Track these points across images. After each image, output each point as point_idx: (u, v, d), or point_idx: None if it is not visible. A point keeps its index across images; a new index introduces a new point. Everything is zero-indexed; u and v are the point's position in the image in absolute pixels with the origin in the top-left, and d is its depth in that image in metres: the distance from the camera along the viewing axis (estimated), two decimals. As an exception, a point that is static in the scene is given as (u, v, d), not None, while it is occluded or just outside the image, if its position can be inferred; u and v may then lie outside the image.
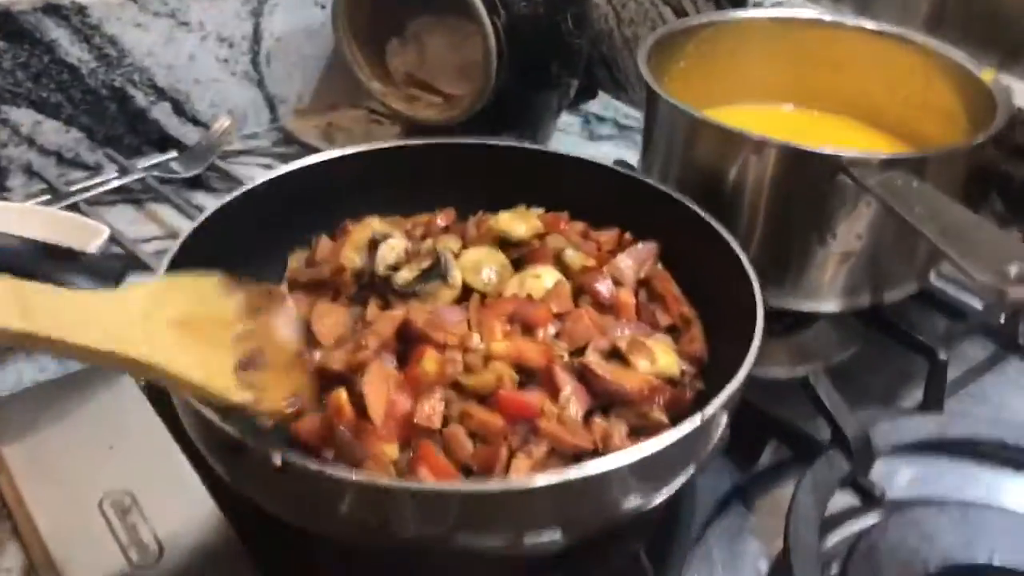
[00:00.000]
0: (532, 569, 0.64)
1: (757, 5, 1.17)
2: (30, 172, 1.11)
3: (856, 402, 0.78)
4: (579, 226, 0.83)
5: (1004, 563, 0.65)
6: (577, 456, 0.62)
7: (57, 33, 1.06)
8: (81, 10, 1.07)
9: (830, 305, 0.85)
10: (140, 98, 1.15)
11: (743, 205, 0.82)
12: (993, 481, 0.76)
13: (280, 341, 0.60)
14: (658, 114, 0.88)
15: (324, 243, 0.81)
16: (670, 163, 0.87)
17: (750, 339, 0.65)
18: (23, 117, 1.08)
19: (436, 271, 0.75)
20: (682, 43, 0.94)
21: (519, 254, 0.80)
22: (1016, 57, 0.98)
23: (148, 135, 1.18)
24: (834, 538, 0.71)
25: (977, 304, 0.94)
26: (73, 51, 1.08)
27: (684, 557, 0.68)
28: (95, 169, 1.15)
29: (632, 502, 0.59)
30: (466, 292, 0.76)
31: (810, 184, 0.78)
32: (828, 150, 0.76)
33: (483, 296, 0.75)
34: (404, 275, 0.75)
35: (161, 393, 0.81)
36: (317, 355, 0.67)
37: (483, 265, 0.77)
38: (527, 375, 0.67)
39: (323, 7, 1.25)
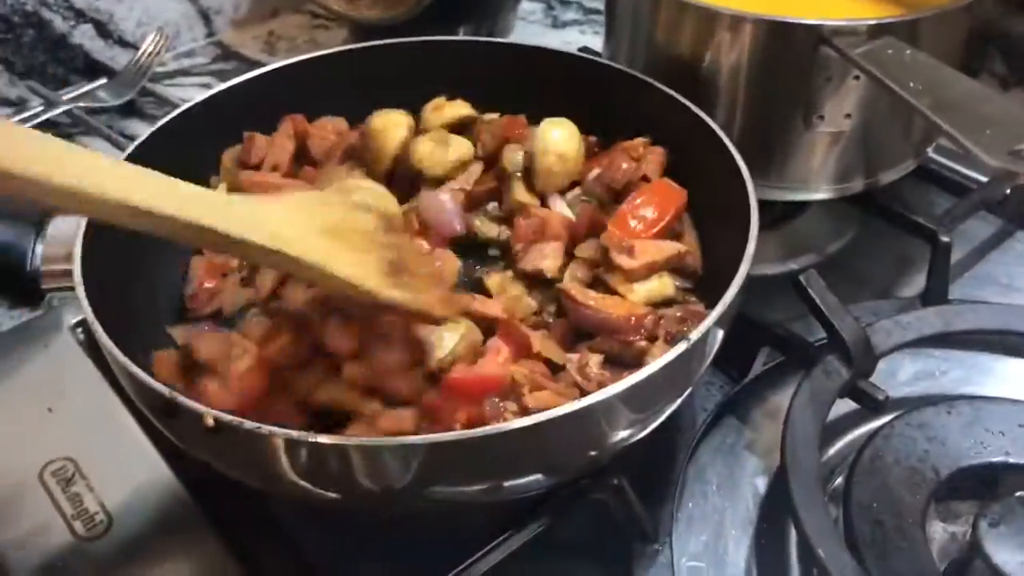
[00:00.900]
0: (506, 513, 0.58)
1: None
2: (-54, 113, 1.02)
3: (854, 294, 0.72)
4: None
5: (1021, 459, 0.60)
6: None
7: (-46, -44, 0.96)
8: (-21, -73, 0.97)
9: (821, 192, 0.78)
10: (58, 22, 1.05)
11: (719, 89, 0.74)
12: (1003, 371, 0.71)
13: (420, 256, 0.62)
14: (620, -6, 0.79)
15: (259, 139, 0.75)
16: (636, 47, 0.79)
17: (742, 240, 0.58)
18: (-70, 53, 0.99)
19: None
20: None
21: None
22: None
23: (72, 63, 1.08)
24: (836, 447, 0.66)
25: (980, 177, 0.87)
26: (-24, -25, 0.98)
27: (677, 481, 0.63)
28: (19, 104, 1.06)
29: (621, 435, 0.53)
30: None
31: (791, 60, 0.70)
32: (808, 20, 0.68)
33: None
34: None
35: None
36: None
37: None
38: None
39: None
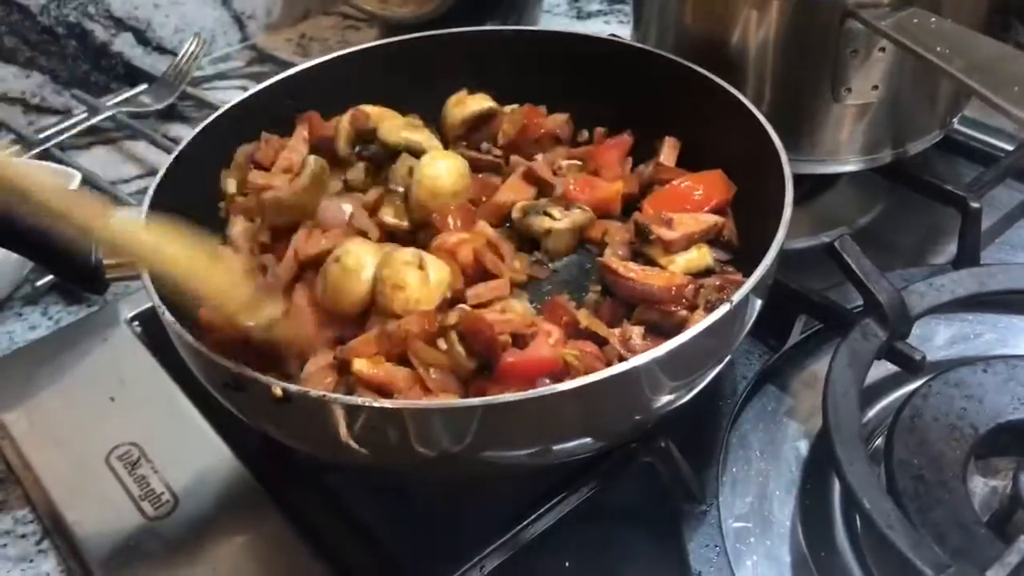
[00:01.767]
0: (557, 478, 0.61)
1: None
2: (-3, 123, 1.06)
3: (886, 264, 0.73)
4: (560, 118, 0.79)
5: (1058, 414, 0.61)
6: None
7: (-1, -29, 0.99)
8: (21, -58, 1.00)
9: (850, 164, 0.79)
10: (99, 31, 1.09)
11: (748, 67, 0.76)
12: (1038, 331, 0.72)
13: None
14: (646, -21, 0.81)
15: (273, 142, 0.76)
16: (664, 32, 0.81)
17: (776, 213, 0.60)
18: (-21, 66, 1.02)
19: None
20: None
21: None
22: None
23: (114, 70, 1.12)
24: (875, 409, 0.68)
25: (1007, 145, 0.88)
26: (19, -11, 1.01)
27: (720, 446, 0.65)
28: (64, 113, 1.10)
29: (664, 399, 0.55)
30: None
31: (818, 34, 0.72)
32: (838, -7, 0.70)
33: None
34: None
35: (159, 337, 0.78)
36: None
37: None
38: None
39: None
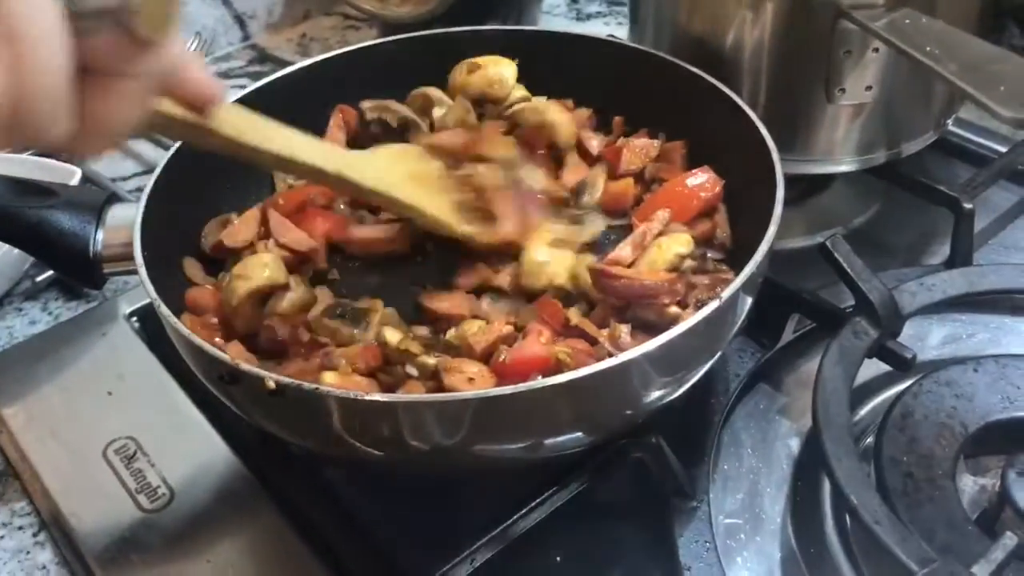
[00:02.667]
0: (549, 473, 0.61)
1: None
2: (-1, 119, 1.06)
3: (881, 264, 0.74)
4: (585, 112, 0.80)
5: (1047, 413, 0.62)
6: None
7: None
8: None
9: (844, 164, 0.80)
10: (101, 30, 1.09)
11: (743, 68, 0.77)
12: (1029, 331, 0.72)
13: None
14: (643, -20, 0.81)
15: None
16: (661, 32, 0.82)
17: (768, 212, 0.60)
18: (-18, 63, 1.03)
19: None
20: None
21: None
22: None
23: (116, 68, 1.12)
24: (866, 408, 0.68)
25: (1001, 147, 0.88)
26: (21, -14, 1.02)
27: (712, 443, 0.65)
28: (66, 109, 1.10)
29: (655, 394, 0.56)
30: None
31: (812, 35, 0.72)
32: (831, -6, 0.70)
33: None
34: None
35: (157, 333, 0.79)
36: None
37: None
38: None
39: (281, -90, 1.18)
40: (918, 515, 0.56)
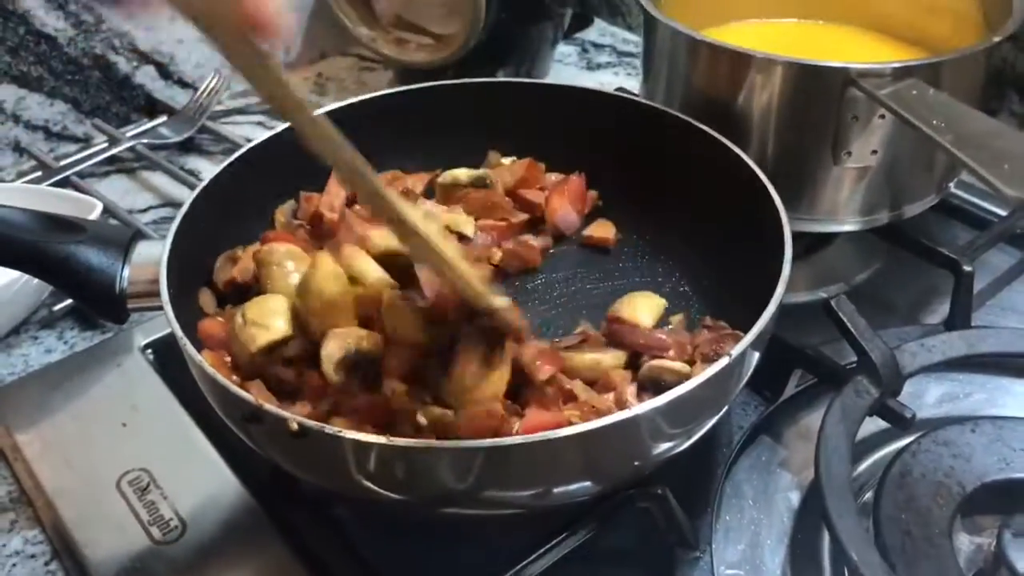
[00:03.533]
0: (557, 520, 0.63)
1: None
2: (19, 149, 1.08)
3: (880, 322, 0.75)
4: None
5: (1043, 476, 0.63)
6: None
7: (31, 2, 1.02)
8: (53, -24, 1.03)
9: (848, 224, 0.82)
10: (123, 63, 1.12)
11: (752, 127, 0.79)
12: (1025, 393, 0.74)
13: None
14: (657, 38, 0.84)
15: (314, 199, 0.79)
16: (673, 88, 0.84)
17: (774, 268, 0.62)
18: (6, 93, 1.05)
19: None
20: (678, -40, 0.90)
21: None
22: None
23: (135, 101, 1.15)
24: (865, 464, 0.70)
25: (1001, 210, 0.91)
26: (49, 20, 1.04)
27: (715, 494, 0.67)
28: (85, 141, 1.12)
29: (663, 447, 0.57)
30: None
31: (820, 100, 0.74)
32: (836, 63, 0.73)
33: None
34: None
35: (171, 366, 0.80)
36: None
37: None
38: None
39: (303, -47, 1.21)
40: (916, 573, 0.58)
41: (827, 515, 0.59)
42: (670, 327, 0.69)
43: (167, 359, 0.81)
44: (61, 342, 0.85)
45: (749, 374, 0.61)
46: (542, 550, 0.61)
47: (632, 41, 1.30)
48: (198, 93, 1.13)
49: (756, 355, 0.61)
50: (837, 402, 0.65)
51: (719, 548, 0.64)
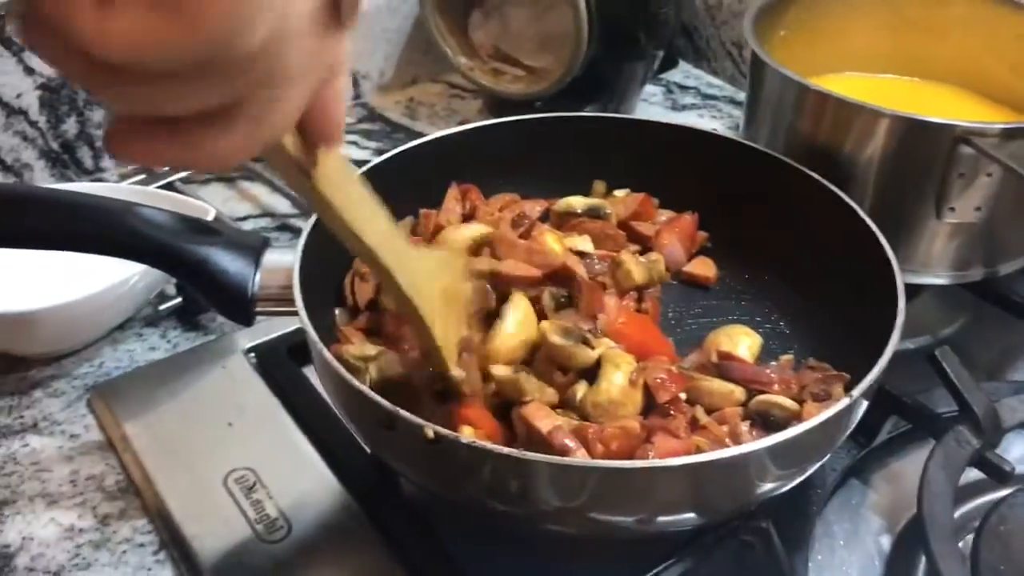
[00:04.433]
0: (659, 549, 0.64)
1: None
2: (123, 152, 1.12)
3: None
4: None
5: None
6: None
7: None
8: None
9: (941, 278, 0.84)
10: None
11: (854, 175, 0.81)
12: (1121, 453, 0.75)
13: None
14: (764, 83, 0.86)
15: (432, 215, 0.82)
16: (776, 133, 0.86)
17: (878, 316, 0.64)
18: (116, 98, 1.09)
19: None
20: (783, 11, 0.93)
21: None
22: None
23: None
24: (961, 510, 0.71)
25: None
26: (164, 31, 1.08)
27: (811, 532, 0.68)
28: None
29: (771, 483, 0.59)
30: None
31: (927, 155, 0.76)
32: (946, 120, 0.75)
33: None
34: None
35: (274, 370, 0.83)
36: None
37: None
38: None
39: (403, -19, 1.25)
40: (1015, 623, 0.59)
41: (931, 556, 0.60)
42: (776, 365, 0.71)
43: (270, 363, 0.84)
44: (164, 340, 0.88)
45: (858, 419, 0.63)
46: (643, 576, 0.62)
47: (716, 85, 1.32)
48: (297, 109, 1.17)
49: (864, 403, 0.62)
50: (939, 449, 0.67)
51: (813, 585, 0.66)
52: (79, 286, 0.80)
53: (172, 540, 0.69)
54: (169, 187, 1.04)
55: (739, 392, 0.67)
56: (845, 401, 0.57)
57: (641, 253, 0.79)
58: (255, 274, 0.66)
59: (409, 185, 0.82)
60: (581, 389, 0.66)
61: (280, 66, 0.34)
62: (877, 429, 0.75)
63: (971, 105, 0.93)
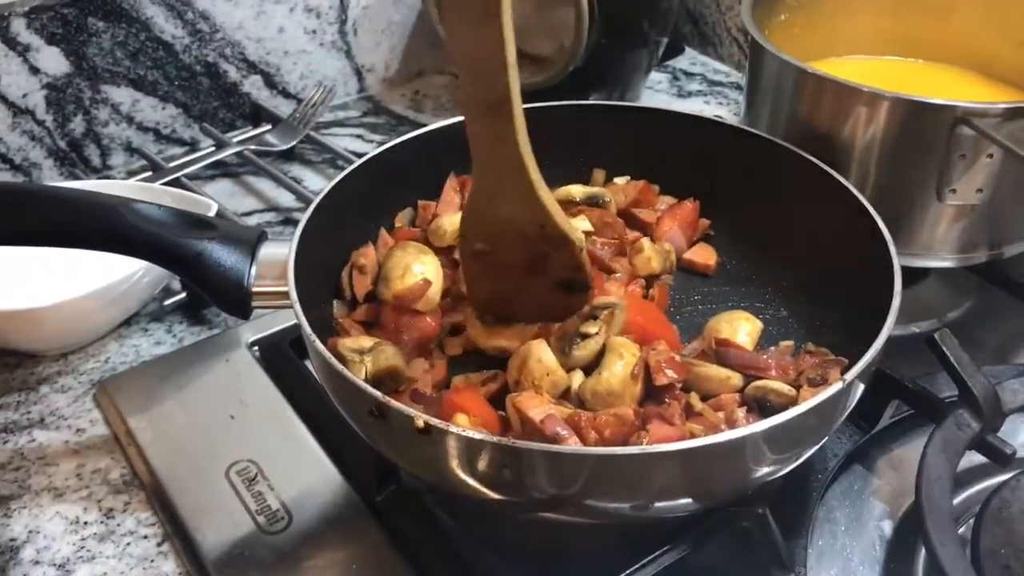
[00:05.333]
0: (656, 535, 0.64)
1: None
2: (130, 149, 1.13)
3: (973, 359, 0.76)
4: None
5: None
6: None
7: (153, 10, 1.07)
8: (174, -14, 1.08)
9: (945, 261, 0.83)
10: (232, 72, 1.16)
11: (854, 159, 0.80)
12: (1126, 436, 0.74)
13: None
14: (763, 69, 0.86)
15: (431, 206, 0.82)
16: (777, 119, 0.86)
17: (876, 300, 0.64)
18: (122, 96, 1.10)
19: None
20: (783, -5, 0.92)
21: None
22: None
23: (240, 109, 1.19)
24: (961, 496, 0.70)
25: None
26: (168, 28, 1.09)
27: (808, 519, 0.68)
28: (191, 144, 1.17)
29: (767, 468, 0.59)
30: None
31: (927, 137, 0.75)
32: (946, 101, 0.74)
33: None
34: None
35: (277, 363, 0.83)
36: None
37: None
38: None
39: (406, -26, 1.25)
40: (1015, 607, 0.58)
41: (929, 542, 0.59)
42: (775, 351, 0.70)
43: (273, 356, 0.84)
44: (170, 335, 0.89)
45: (853, 405, 0.62)
46: (640, 563, 0.62)
47: (722, 71, 1.32)
48: (302, 104, 1.17)
49: (861, 386, 0.62)
50: (938, 433, 0.66)
51: (813, 571, 0.65)
52: (84, 283, 0.81)
53: (175, 531, 0.70)
54: (175, 183, 1.04)
55: (736, 378, 0.67)
56: (838, 385, 0.56)
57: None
58: (251, 267, 0.67)
59: (408, 176, 0.82)
60: (578, 378, 0.66)
61: None
62: (879, 414, 0.75)
63: (974, 86, 0.92)
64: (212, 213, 0.88)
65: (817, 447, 0.62)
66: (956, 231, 0.81)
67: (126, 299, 0.87)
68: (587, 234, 0.76)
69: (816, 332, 0.75)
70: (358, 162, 0.78)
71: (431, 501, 0.71)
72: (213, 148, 1.12)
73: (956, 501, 0.70)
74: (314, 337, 0.60)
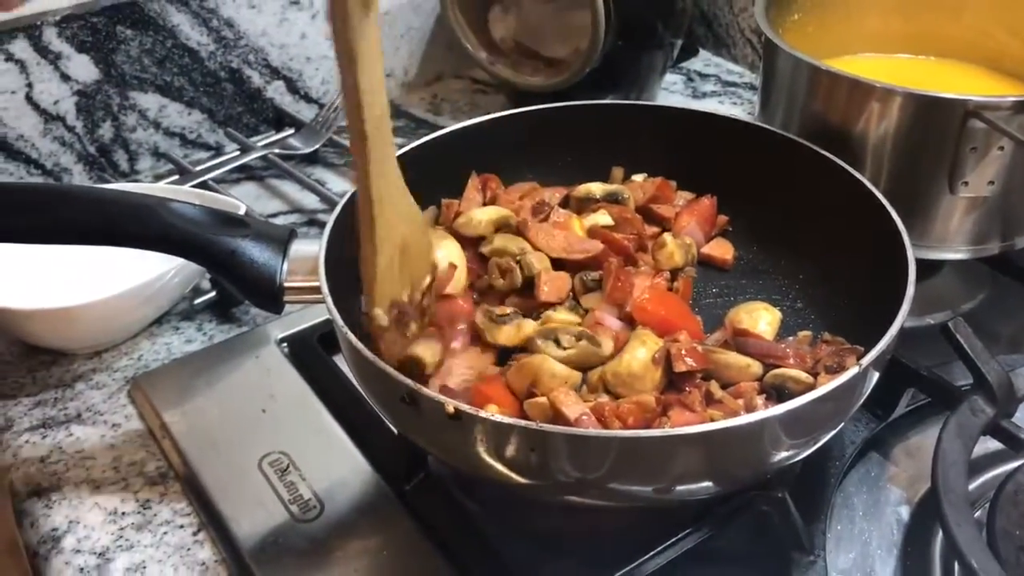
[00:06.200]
0: (677, 518, 0.66)
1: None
2: (157, 154, 1.16)
3: (988, 349, 0.77)
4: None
5: None
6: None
7: (179, 18, 1.10)
8: (199, -5, 1.11)
9: (959, 253, 0.84)
10: (256, 78, 1.19)
11: (867, 154, 0.82)
12: None
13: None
14: (777, 67, 0.87)
15: (455, 204, 0.84)
16: (791, 116, 0.87)
17: (891, 290, 0.65)
18: (150, 102, 1.13)
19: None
20: (796, -5, 0.94)
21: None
22: None
23: (264, 114, 1.22)
24: (975, 482, 0.72)
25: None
26: (193, 35, 1.12)
27: (827, 505, 0.69)
28: (216, 149, 1.20)
29: (785, 452, 0.60)
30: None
31: (939, 131, 0.77)
32: (956, 95, 0.76)
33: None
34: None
35: (306, 359, 0.86)
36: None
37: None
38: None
39: (424, -21, 1.27)
40: (1031, 587, 0.60)
41: (946, 525, 0.61)
42: (793, 340, 0.72)
43: (301, 352, 0.87)
44: (201, 333, 0.91)
45: (869, 391, 0.64)
46: (660, 547, 0.64)
47: (736, 72, 1.33)
48: (324, 109, 1.20)
49: (876, 374, 0.64)
50: (953, 419, 0.68)
51: (832, 554, 0.67)
52: (118, 282, 0.83)
53: (210, 521, 0.72)
54: (202, 186, 1.07)
55: (756, 366, 0.68)
56: (853, 370, 0.58)
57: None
58: (283, 263, 0.69)
59: (431, 176, 0.83)
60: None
61: None
62: (895, 402, 0.76)
63: (985, 81, 0.93)
64: (242, 211, 0.91)
65: (834, 432, 0.64)
66: (968, 223, 0.82)
67: (158, 298, 0.89)
68: (607, 228, 0.79)
69: (832, 323, 0.77)
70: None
71: (458, 489, 0.73)
72: (238, 152, 1.14)
73: (972, 487, 0.71)
74: (347, 329, 0.63)
